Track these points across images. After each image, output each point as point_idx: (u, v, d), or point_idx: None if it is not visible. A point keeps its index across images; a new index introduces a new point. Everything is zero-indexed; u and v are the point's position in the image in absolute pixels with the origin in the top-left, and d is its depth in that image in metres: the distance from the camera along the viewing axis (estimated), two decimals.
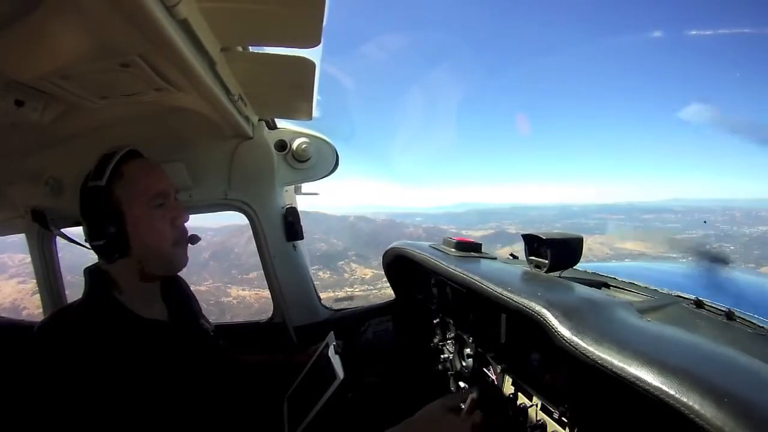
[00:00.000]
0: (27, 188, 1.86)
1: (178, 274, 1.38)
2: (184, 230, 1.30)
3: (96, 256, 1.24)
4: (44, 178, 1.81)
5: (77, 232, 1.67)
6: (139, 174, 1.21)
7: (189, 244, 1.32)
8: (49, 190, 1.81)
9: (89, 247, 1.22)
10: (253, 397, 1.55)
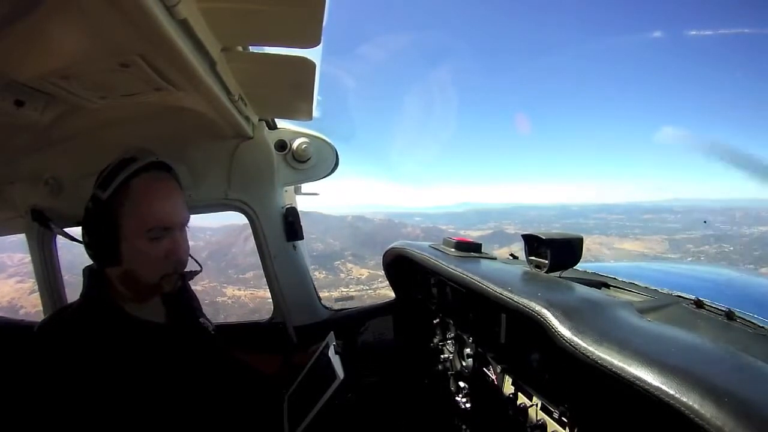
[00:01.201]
0: (27, 188, 1.86)
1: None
2: (179, 264, 1.23)
3: None
4: (44, 178, 1.81)
5: (78, 231, 1.67)
6: (145, 196, 1.14)
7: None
8: (49, 190, 1.81)
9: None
10: (253, 397, 1.55)
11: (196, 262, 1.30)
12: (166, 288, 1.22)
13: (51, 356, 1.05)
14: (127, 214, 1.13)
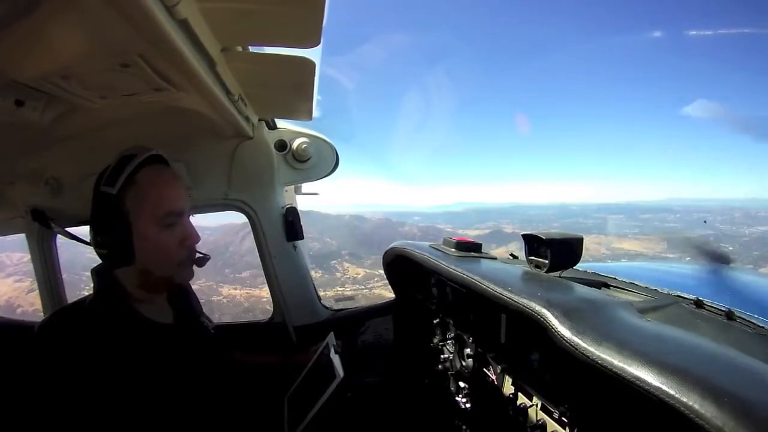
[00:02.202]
0: (27, 188, 1.86)
1: None
2: (192, 251, 1.25)
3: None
4: (44, 178, 1.81)
5: (77, 231, 1.67)
6: (153, 186, 1.16)
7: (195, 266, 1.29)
8: (49, 190, 1.81)
9: (89, 242, 1.21)
10: (253, 398, 1.55)
11: (201, 253, 1.31)
12: (179, 279, 1.25)
13: (59, 355, 1.04)
14: (137, 207, 1.13)
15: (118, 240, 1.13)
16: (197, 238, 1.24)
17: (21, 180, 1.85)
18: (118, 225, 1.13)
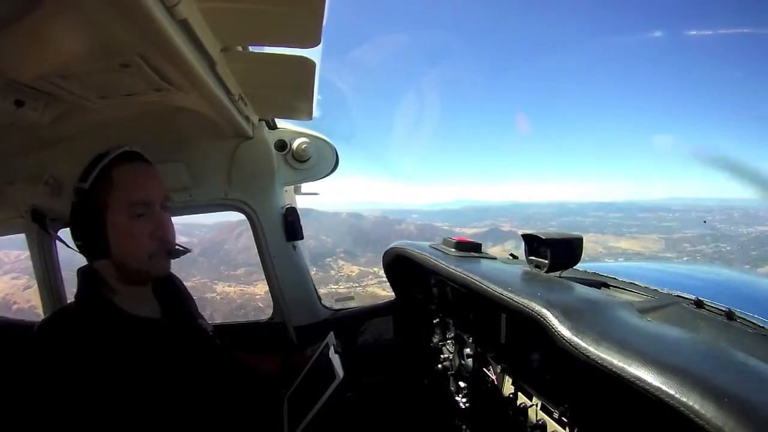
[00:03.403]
0: (27, 188, 1.86)
1: (173, 272, 1.37)
2: (165, 242, 1.24)
3: None
4: (44, 178, 1.80)
5: None
6: (124, 180, 1.18)
7: (172, 258, 1.29)
8: (49, 190, 1.81)
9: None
10: (253, 397, 1.55)
11: (183, 247, 1.31)
12: (155, 271, 1.25)
13: (51, 356, 1.05)
14: (109, 199, 1.16)
15: (91, 232, 1.16)
16: (170, 233, 1.25)
17: (21, 180, 1.85)
18: (91, 218, 1.16)
